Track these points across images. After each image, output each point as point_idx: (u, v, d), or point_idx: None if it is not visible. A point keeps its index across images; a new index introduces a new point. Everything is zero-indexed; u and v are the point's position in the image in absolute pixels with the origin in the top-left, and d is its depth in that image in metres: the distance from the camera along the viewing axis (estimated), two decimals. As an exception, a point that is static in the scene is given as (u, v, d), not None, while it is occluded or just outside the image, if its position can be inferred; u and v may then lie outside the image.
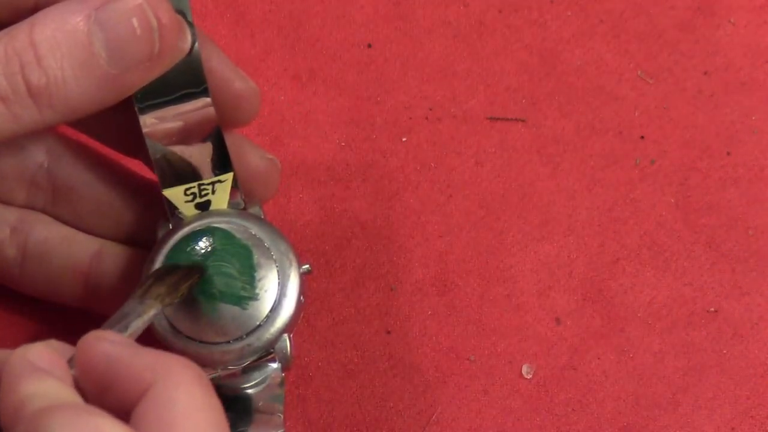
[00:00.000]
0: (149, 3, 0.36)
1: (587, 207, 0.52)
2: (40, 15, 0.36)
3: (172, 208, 0.40)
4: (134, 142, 0.42)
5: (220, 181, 0.40)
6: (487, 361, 0.49)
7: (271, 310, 0.38)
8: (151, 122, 0.39)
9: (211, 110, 0.40)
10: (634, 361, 0.49)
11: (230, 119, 0.42)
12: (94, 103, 0.36)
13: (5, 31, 0.36)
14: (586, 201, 0.52)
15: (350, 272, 0.50)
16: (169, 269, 0.38)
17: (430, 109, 0.53)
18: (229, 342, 0.38)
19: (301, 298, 0.39)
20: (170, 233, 0.39)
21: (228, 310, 0.38)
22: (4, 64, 0.35)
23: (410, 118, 0.52)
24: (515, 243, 0.51)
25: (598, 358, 0.49)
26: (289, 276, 0.39)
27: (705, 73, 0.54)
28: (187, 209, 0.40)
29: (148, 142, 0.39)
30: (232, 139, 0.41)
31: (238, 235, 0.39)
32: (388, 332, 0.49)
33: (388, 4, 0.54)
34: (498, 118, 0.53)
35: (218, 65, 0.41)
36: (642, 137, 0.53)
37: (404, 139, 0.52)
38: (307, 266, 0.40)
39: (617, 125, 0.53)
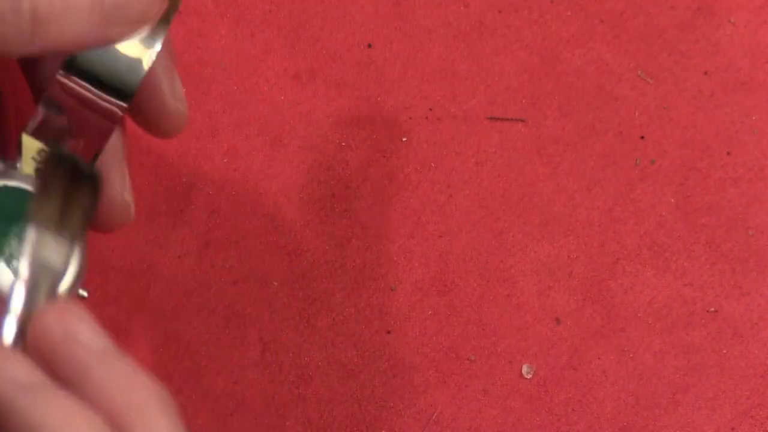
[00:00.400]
0: None
1: (587, 207, 0.52)
2: None
3: (18, 153, 0.38)
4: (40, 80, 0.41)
5: None
6: (487, 361, 0.49)
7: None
8: (63, 80, 0.38)
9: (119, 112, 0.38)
10: (634, 361, 0.49)
11: (149, 127, 0.42)
12: (76, 43, 0.37)
13: None
14: (586, 201, 0.52)
15: (350, 272, 0.50)
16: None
17: (430, 109, 0.53)
18: None
19: (81, 291, 0.38)
20: None
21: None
22: None
23: (410, 118, 0.52)
24: (515, 243, 0.51)
25: (598, 358, 0.49)
26: (71, 276, 0.38)
27: (705, 73, 0.54)
28: (27, 165, 0.38)
29: (54, 89, 0.38)
30: (116, 165, 0.40)
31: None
32: (388, 332, 0.49)
33: (388, 4, 0.54)
34: (498, 118, 0.53)
35: (165, 76, 0.41)
36: (642, 137, 0.53)
37: (404, 139, 0.52)
38: (84, 293, 0.39)
39: (617, 125, 0.53)
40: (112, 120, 0.38)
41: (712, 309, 0.50)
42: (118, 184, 0.41)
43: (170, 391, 0.47)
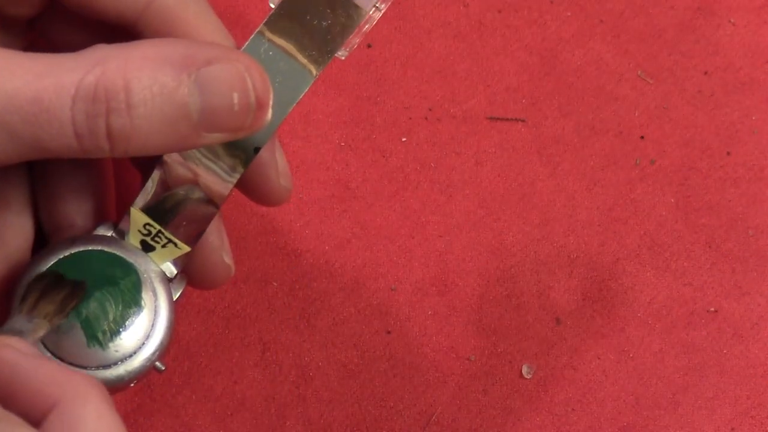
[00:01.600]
0: (250, 73, 0.35)
1: (587, 207, 0.52)
2: (138, 53, 0.34)
3: (125, 224, 0.40)
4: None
5: (175, 245, 0.40)
6: (487, 361, 0.49)
7: (113, 364, 0.38)
8: (176, 158, 0.39)
9: (228, 189, 0.39)
10: (634, 361, 0.49)
11: (252, 198, 0.42)
12: (164, 149, 0.36)
13: (100, 53, 0.34)
14: (586, 201, 0.52)
15: (350, 272, 0.50)
16: (54, 281, 0.38)
17: (430, 109, 0.53)
18: (73, 364, 0.38)
19: (159, 364, 0.39)
20: (92, 238, 0.39)
21: (80, 336, 0.38)
22: (90, 102, 0.34)
23: (410, 118, 0.52)
24: (515, 243, 0.51)
25: (598, 358, 0.49)
26: (146, 358, 0.38)
27: (705, 73, 0.54)
28: (134, 237, 0.40)
29: (162, 170, 0.39)
30: (214, 229, 0.41)
31: (142, 292, 0.39)
32: (388, 332, 0.49)
33: (388, 4, 0.54)
34: (498, 118, 0.53)
35: (270, 154, 0.41)
36: (642, 137, 0.53)
37: (404, 139, 0.52)
38: (162, 366, 0.39)
39: (617, 125, 0.53)
40: (216, 202, 0.39)
41: (712, 309, 0.50)
42: (218, 248, 0.41)
43: (170, 391, 0.47)
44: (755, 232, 0.51)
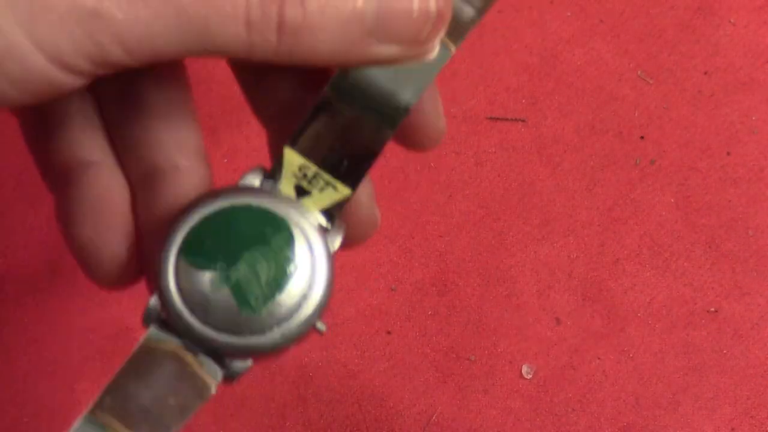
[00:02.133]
0: None
1: (587, 207, 0.52)
2: None
3: (278, 168, 0.35)
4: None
5: (334, 188, 0.36)
6: (487, 361, 0.49)
7: (267, 330, 0.36)
8: (334, 93, 0.35)
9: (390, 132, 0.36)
10: (634, 361, 0.49)
11: (405, 141, 0.39)
12: (329, 61, 0.33)
13: None
14: (586, 201, 0.52)
15: (350, 272, 0.50)
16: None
17: (430, 109, 0.53)
18: (224, 331, 0.35)
19: (319, 325, 0.36)
20: (237, 191, 0.35)
21: (230, 303, 0.35)
22: None
23: (410, 118, 0.53)
24: (515, 243, 0.51)
25: (598, 358, 0.49)
26: (304, 320, 0.36)
27: (705, 73, 0.54)
28: (287, 184, 0.35)
29: (324, 102, 0.35)
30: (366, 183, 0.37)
31: (296, 248, 0.35)
32: (388, 332, 0.49)
33: (388, 4, 0.54)
34: (498, 118, 0.53)
35: (429, 90, 0.38)
36: (642, 137, 0.53)
37: (404, 139, 0.52)
38: (323, 327, 0.37)
39: (617, 125, 0.53)
40: (380, 140, 0.36)
41: (712, 309, 0.50)
42: (367, 200, 0.38)
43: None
44: (755, 232, 0.51)
